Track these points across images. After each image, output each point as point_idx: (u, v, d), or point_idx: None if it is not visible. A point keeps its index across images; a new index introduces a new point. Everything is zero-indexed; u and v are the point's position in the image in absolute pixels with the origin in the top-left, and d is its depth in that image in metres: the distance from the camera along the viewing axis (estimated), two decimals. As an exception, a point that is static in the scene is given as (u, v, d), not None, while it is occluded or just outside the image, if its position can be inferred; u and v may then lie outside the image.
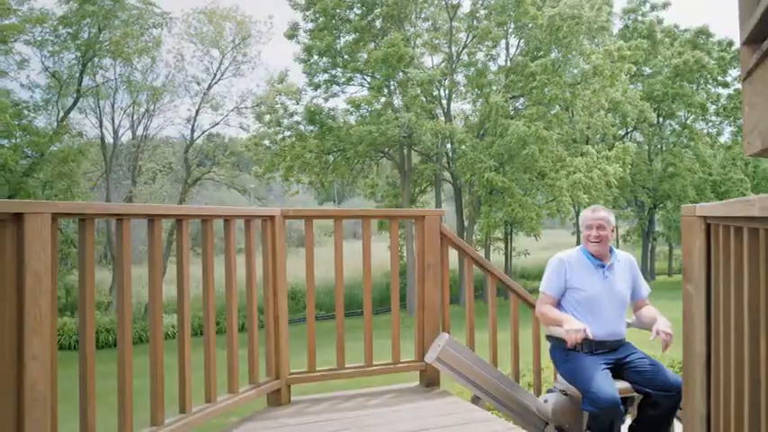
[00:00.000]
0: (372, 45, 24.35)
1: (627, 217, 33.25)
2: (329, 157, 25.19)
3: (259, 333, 3.10)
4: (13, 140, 21.47)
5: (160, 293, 2.57)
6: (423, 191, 28.12)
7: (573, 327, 3.03)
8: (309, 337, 3.38)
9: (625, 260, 3.40)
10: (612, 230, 3.32)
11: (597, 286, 3.24)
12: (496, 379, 3.46)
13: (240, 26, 26.63)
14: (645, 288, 3.46)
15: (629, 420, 3.23)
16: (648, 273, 32.61)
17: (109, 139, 26.44)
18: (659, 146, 32.32)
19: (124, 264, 2.39)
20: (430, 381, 3.57)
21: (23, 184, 21.13)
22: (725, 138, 34.03)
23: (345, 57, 24.79)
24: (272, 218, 3.20)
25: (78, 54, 23.40)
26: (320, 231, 29.35)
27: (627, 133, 31.61)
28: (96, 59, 23.78)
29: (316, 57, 24.77)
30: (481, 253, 24.21)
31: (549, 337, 3.37)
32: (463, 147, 23.92)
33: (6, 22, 21.67)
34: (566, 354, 3.19)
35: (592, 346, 3.14)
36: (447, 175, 26.76)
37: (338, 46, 24.63)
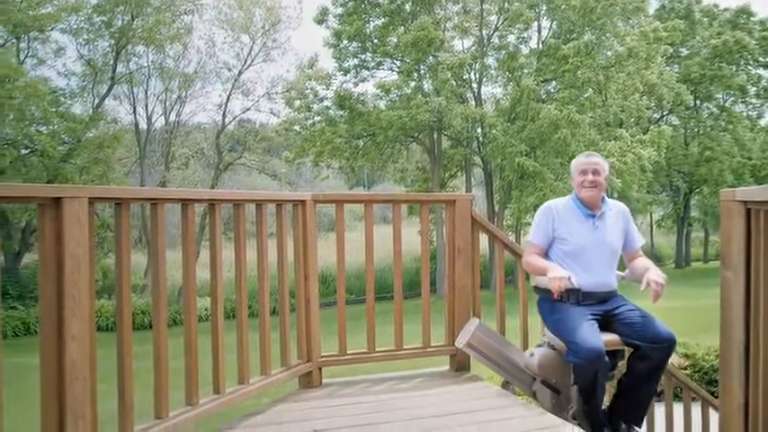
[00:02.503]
0: (402, 29, 24.15)
1: (661, 202, 32.61)
2: (359, 141, 25.18)
3: (290, 316, 3.14)
4: (51, 127, 21.98)
5: (194, 277, 2.62)
6: (453, 176, 27.96)
7: (557, 275, 2.92)
8: (340, 321, 3.40)
9: (617, 210, 3.27)
10: (606, 179, 3.20)
11: (586, 236, 3.13)
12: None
13: (270, 12, 26.69)
14: (638, 239, 3.32)
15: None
16: (683, 259, 31.99)
17: (142, 125, 26.88)
18: (696, 129, 31.49)
19: (159, 247, 2.43)
20: (460, 365, 3.57)
21: (61, 170, 21.63)
22: (766, 120, 33.05)
23: (375, 41, 24.66)
24: (303, 202, 3.21)
25: (112, 42, 23.77)
26: (350, 216, 29.44)
27: (662, 116, 30.89)
28: (130, 47, 24.12)
29: (345, 41, 24.70)
30: (512, 238, 24.01)
31: (536, 289, 3.28)
32: (494, 131, 23.65)
33: (43, 11, 22.10)
34: (552, 305, 3.09)
35: (579, 297, 3.04)
36: (477, 159, 26.53)
37: (368, 30, 24.50)
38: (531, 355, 3.18)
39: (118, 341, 2.26)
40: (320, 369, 3.32)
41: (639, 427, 3.06)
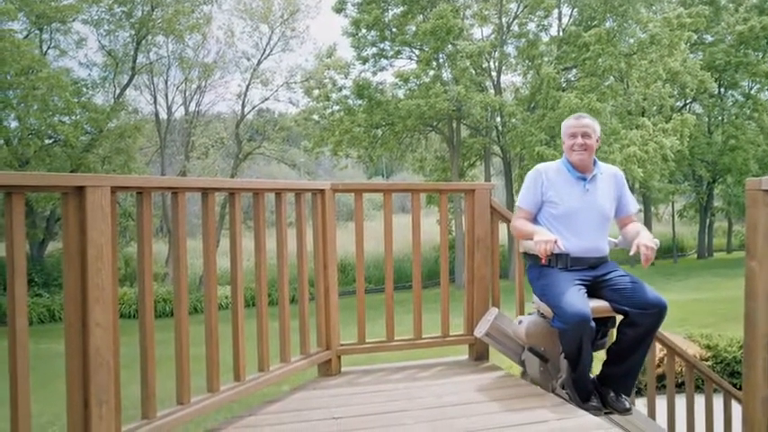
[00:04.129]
0: (421, 17, 23.99)
1: (684, 192, 32.11)
2: (378, 131, 25.12)
3: (310, 305, 3.15)
4: (74, 117, 22.26)
5: (214, 265, 2.64)
6: (472, 165, 27.81)
7: (543, 238, 2.85)
8: (359, 310, 3.41)
9: (610, 173, 3.18)
10: (598, 141, 3.09)
11: (576, 200, 3.04)
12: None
13: (288, 1, 26.69)
14: (632, 204, 3.22)
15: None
16: (706, 249, 31.57)
17: (163, 115, 27.12)
18: (720, 117, 30.91)
19: (180, 235, 2.45)
20: (479, 355, 3.57)
21: (84, 160, 21.94)
22: (793, 108, 32.24)
23: (393, 30, 24.52)
24: (322, 191, 3.22)
25: (132, 32, 23.97)
26: (369, 205, 29.51)
27: (685, 105, 30.36)
28: (150, 37, 24.31)
29: (364, 30, 24.60)
30: (531, 228, 23.79)
31: (525, 255, 3.21)
32: (513, 120, 23.47)
33: (65, 2, 22.33)
34: (540, 270, 3.02)
35: (567, 263, 2.97)
36: (497, 148, 26.35)
37: (386, 19, 24.36)
38: (520, 322, 3.12)
39: (140, 328, 2.29)
40: (339, 357, 3.34)
41: (629, 396, 3.00)
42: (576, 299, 2.77)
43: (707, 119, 30.85)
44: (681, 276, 23.89)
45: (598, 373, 3.10)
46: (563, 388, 2.99)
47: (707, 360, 7.13)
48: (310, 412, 2.74)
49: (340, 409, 2.76)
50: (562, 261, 2.98)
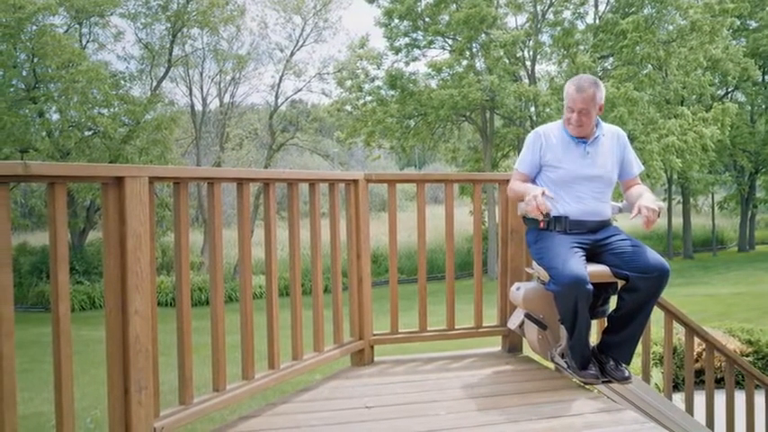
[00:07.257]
0: (454, 6, 23.78)
1: (724, 183, 31.27)
2: (410, 121, 25.07)
3: (343, 295, 3.17)
4: (112, 110, 22.77)
5: (249, 254, 2.67)
6: (505, 155, 27.55)
7: (531, 193, 2.73)
8: (392, 300, 3.42)
9: (612, 134, 3.04)
10: (600, 108, 2.93)
11: (575, 163, 2.92)
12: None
13: (321, -9, 26.73)
14: (636, 166, 3.09)
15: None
16: (747, 242, 30.73)
17: (198, 106, 27.54)
18: (764, 106, 29.95)
19: (215, 225, 2.49)
20: (512, 346, 3.54)
21: (122, 151, 22.44)
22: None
23: (426, 19, 24.39)
24: (355, 182, 3.22)
25: (168, 25, 24.36)
26: (401, 196, 29.48)
27: (727, 93, 29.51)
28: (185, 30, 24.66)
29: (396, 20, 24.51)
30: (565, 219, 23.48)
31: (524, 219, 3.13)
32: (548, 110, 23.12)
33: (103, -4, 22.79)
34: (538, 233, 2.94)
35: (566, 226, 2.88)
36: (530, 139, 26.04)
37: (419, 8, 24.23)
38: (518, 288, 3.06)
39: (177, 316, 2.33)
40: (372, 347, 3.35)
41: (628, 364, 2.92)
42: (572, 261, 2.68)
43: (750, 107, 29.93)
44: (721, 269, 23.32)
45: (598, 341, 3.03)
46: (562, 357, 2.93)
47: (748, 356, 6.97)
48: (343, 401, 2.76)
49: (372, 399, 2.78)
50: (560, 224, 2.89)
